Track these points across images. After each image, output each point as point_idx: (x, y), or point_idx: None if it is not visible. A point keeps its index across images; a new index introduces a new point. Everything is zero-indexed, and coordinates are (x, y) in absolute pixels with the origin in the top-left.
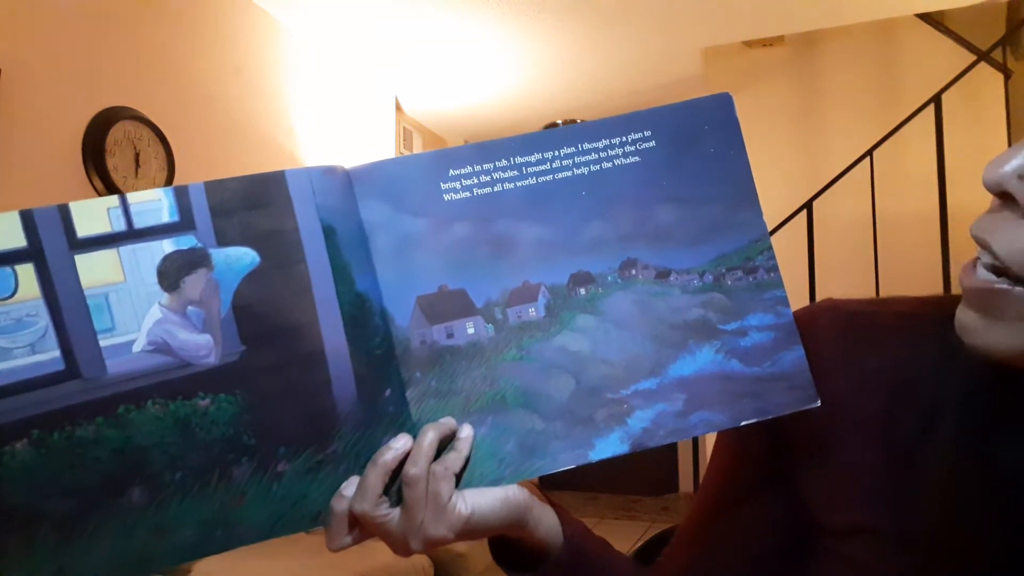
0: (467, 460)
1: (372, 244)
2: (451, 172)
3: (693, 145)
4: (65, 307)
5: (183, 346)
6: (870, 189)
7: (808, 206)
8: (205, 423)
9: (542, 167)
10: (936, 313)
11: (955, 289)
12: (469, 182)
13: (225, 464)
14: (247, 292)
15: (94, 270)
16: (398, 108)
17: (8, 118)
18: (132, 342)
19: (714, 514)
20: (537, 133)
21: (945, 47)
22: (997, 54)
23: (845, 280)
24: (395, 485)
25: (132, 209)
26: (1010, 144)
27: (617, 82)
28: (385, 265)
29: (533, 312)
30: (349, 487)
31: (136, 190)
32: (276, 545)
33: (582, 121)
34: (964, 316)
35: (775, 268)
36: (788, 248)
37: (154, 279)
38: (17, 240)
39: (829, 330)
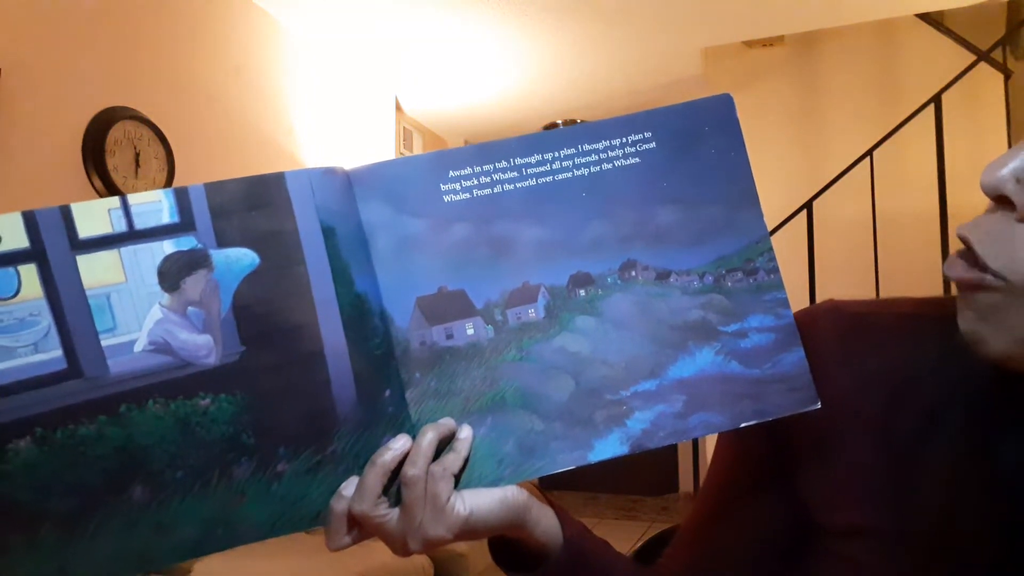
0: (466, 461)
1: (372, 245)
2: (451, 173)
3: (693, 146)
4: (67, 307)
5: (184, 346)
6: (870, 189)
7: (808, 206)
8: (205, 422)
9: (542, 168)
10: (937, 314)
11: (955, 290)
12: (469, 183)
13: (225, 463)
14: (247, 293)
15: (95, 270)
16: (398, 108)
17: (8, 118)
18: (133, 342)
19: (715, 515)
20: (537, 134)
21: (945, 47)
22: (997, 54)
23: (845, 280)
24: (394, 485)
25: (133, 210)
26: (1010, 144)
27: (617, 82)
28: (385, 266)
29: (533, 313)
30: (348, 487)
31: (136, 190)
32: (276, 545)
33: (582, 121)
34: (965, 323)
35: (776, 270)
36: (788, 248)
37: (155, 280)
38: (20, 241)
39: (830, 331)
